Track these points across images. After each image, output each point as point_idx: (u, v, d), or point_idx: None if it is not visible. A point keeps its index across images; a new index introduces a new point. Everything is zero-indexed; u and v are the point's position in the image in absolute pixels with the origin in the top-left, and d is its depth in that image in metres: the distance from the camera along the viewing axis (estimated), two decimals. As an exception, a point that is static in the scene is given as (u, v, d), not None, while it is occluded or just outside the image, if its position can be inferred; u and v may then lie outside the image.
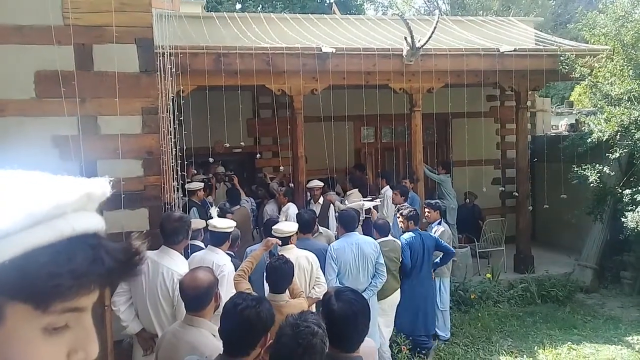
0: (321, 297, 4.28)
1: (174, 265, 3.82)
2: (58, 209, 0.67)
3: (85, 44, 4.28)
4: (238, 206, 7.48)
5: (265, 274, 3.91)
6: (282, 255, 4.05)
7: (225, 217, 5.77)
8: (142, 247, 0.76)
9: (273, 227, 4.85)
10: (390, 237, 5.95)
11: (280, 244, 4.59)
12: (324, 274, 4.96)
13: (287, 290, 3.82)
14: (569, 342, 6.63)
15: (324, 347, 2.28)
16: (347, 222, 5.50)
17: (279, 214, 7.53)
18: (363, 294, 5.15)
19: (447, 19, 10.80)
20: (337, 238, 5.81)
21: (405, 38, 7.47)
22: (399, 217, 6.42)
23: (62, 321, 0.69)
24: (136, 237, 0.77)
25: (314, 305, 4.56)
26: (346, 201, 7.89)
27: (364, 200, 6.70)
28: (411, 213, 6.28)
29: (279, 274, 3.72)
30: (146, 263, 3.82)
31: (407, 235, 6.14)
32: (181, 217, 4.03)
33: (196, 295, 3.05)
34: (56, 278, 0.64)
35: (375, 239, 5.74)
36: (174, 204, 5.16)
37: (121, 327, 3.91)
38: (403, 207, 6.56)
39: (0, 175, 0.69)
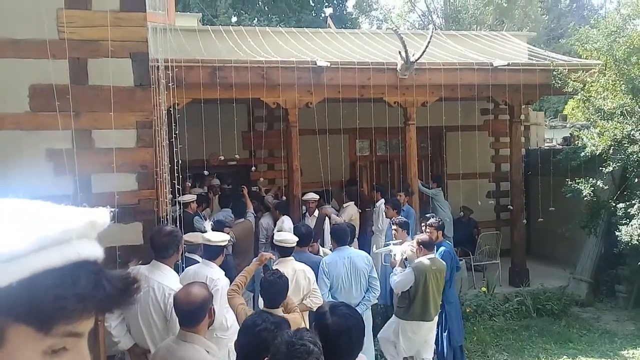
0: (314, 308, 4.29)
1: (165, 279, 3.78)
2: (65, 234, 0.69)
3: (80, 58, 4.29)
4: (242, 219, 7.32)
5: (259, 289, 3.88)
6: (276, 269, 4.04)
7: (222, 230, 5.75)
8: (139, 277, 0.78)
9: (276, 239, 4.84)
10: (436, 254, 5.63)
11: (274, 258, 4.58)
12: (317, 288, 4.96)
13: (280, 305, 3.80)
14: (565, 356, 6.61)
15: None
16: (340, 236, 5.49)
17: (274, 227, 7.51)
18: (356, 308, 5.16)
19: (441, 33, 10.90)
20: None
21: (400, 52, 7.52)
22: (424, 228, 6.30)
23: (62, 344, 0.70)
24: (132, 266, 0.79)
25: (306, 315, 4.53)
26: (342, 215, 7.88)
27: (392, 244, 6.15)
28: (440, 222, 6.15)
29: (274, 289, 3.70)
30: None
31: (442, 248, 6.00)
32: (171, 232, 4.00)
33: (190, 311, 3.02)
34: (62, 301, 0.66)
35: (418, 257, 5.49)
36: (168, 218, 5.14)
37: (113, 343, 3.87)
38: (397, 218, 6.50)
39: (8, 202, 0.71)
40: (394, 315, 5.73)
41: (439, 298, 5.53)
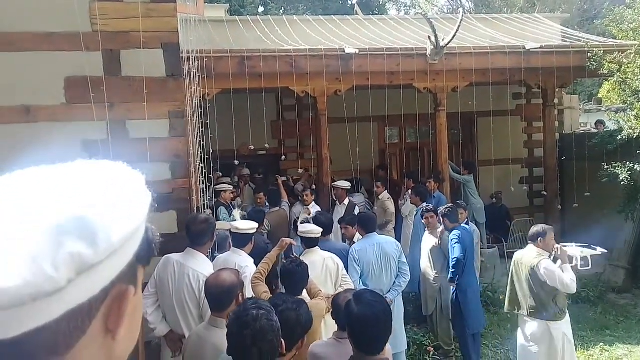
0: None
1: (199, 267, 3.85)
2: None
3: (113, 49, 4.36)
4: (277, 208, 7.39)
5: (279, 277, 3.90)
6: (296, 257, 4.04)
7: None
8: None
9: (301, 230, 4.85)
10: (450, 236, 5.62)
11: (295, 243, 4.59)
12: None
13: (304, 291, 3.81)
14: (602, 344, 6.50)
15: (274, 323, 2.30)
16: (366, 223, 5.50)
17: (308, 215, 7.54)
18: (387, 294, 5.16)
19: (471, 17, 10.72)
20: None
21: (429, 37, 7.42)
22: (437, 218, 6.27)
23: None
24: None
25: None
26: (384, 208, 7.79)
27: (579, 247, 5.89)
28: (446, 211, 6.01)
29: (294, 277, 3.72)
30: (172, 265, 3.87)
31: (456, 232, 5.86)
32: (207, 219, 4.06)
33: (218, 295, 3.07)
34: (153, 237, 0.77)
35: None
36: (202, 206, 5.21)
37: (149, 330, 3.96)
38: (423, 208, 6.42)
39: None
40: None
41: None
